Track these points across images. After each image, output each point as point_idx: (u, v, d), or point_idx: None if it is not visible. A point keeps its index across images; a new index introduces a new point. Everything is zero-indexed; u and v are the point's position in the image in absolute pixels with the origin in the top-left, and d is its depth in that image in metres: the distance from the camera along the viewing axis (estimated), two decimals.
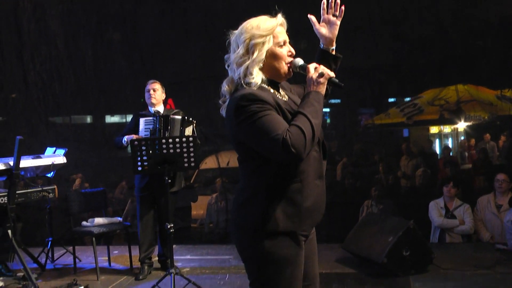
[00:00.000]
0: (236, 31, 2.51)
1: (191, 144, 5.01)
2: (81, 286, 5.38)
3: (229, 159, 9.82)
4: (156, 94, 5.87)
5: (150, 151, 5.00)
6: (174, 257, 5.13)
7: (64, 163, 6.12)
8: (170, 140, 4.99)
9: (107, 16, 10.20)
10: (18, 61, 9.90)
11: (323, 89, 2.46)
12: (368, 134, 11.48)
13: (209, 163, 10.08)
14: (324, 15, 2.69)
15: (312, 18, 2.69)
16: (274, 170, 2.40)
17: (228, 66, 2.53)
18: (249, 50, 2.44)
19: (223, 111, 2.53)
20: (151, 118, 5.75)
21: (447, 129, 13.84)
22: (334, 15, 2.67)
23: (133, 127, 5.84)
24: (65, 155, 6.24)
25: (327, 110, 12.26)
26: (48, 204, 6.52)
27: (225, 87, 2.52)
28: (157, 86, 5.90)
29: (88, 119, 12.54)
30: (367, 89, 10.59)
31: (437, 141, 13.86)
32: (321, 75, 2.44)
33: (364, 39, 9.94)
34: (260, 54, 2.43)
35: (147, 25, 10.26)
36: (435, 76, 10.65)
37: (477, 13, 9.60)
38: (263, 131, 2.29)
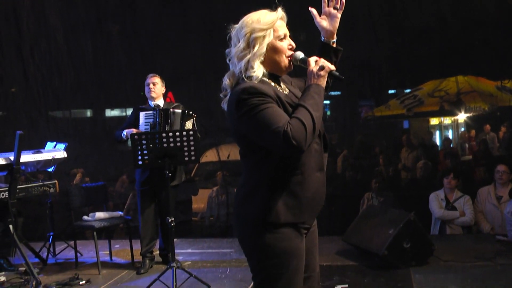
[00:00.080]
0: (236, 25, 2.52)
1: (191, 138, 5.01)
2: (82, 280, 5.40)
3: (229, 152, 9.81)
4: (156, 88, 5.87)
5: (151, 145, 5.00)
6: (175, 251, 5.15)
7: (64, 157, 6.13)
8: (170, 134, 4.99)
9: (107, 9, 10.16)
10: (18, 55, 9.88)
11: (323, 82, 2.47)
12: (369, 126, 11.47)
13: (210, 156, 10.07)
14: (325, 8, 2.69)
15: (313, 11, 2.69)
16: (275, 162, 2.42)
17: (229, 60, 2.55)
18: (250, 44, 2.45)
19: (224, 105, 2.54)
20: (151, 112, 5.75)
21: (447, 120, 13.83)
22: (335, 8, 2.68)
23: (133, 121, 5.84)
24: (65, 149, 6.24)
25: (327, 102, 12.24)
26: (49, 199, 6.53)
27: (226, 81, 2.53)
28: (157, 80, 5.90)
29: (88, 113, 12.52)
30: (367, 81, 10.56)
31: (437, 132, 13.86)
32: (322, 68, 2.45)
33: (364, 30, 9.91)
34: (260, 48, 2.45)
35: (147, 19, 10.22)
36: (435, 67, 10.62)
37: (477, 4, 9.56)
38: (264, 124, 2.30)
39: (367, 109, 11.88)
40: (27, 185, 5.60)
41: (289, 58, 2.53)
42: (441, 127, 14.27)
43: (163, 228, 5.82)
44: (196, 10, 9.90)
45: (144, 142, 5.00)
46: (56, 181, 5.96)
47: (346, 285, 5.01)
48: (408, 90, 11.84)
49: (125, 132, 5.66)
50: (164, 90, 6.03)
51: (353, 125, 11.14)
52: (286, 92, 2.56)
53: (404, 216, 5.50)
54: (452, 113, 11.64)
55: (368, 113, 11.73)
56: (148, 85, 5.88)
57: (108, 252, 6.33)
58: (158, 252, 6.04)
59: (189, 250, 6.67)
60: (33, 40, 9.84)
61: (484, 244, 6.19)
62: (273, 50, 2.49)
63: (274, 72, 2.54)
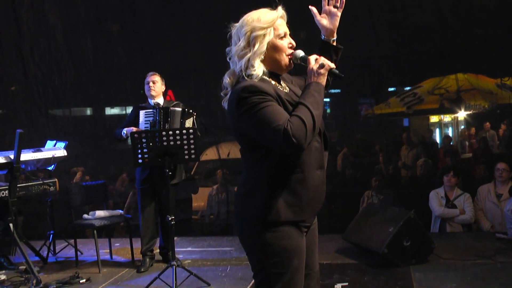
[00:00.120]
0: (237, 24, 2.53)
1: (191, 136, 5.01)
2: (83, 279, 5.41)
3: (229, 150, 9.81)
4: (156, 86, 5.87)
5: (151, 144, 5.00)
6: (175, 249, 5.16)
7: (64, 156, 6.13)
8: (171, 132, 5.00)
9: (106, 7, 10.14)
10: (17, 53, 9.87)
11: (323, 80, 2.48)
12: (368, 124, 11.45)
13: (210, 154, 10.06)
14: (325, 6, 2.71)
15: (313, 9, 2.71)
16: (276, 161, 2.43)
17: (230, 58, 2.56)
18: (250, 43, 2.46)
19: (225, 104, 2.55)
20: (151, 110, 5.75)
21: (447, 118, 13.79)
22: (335, 6, 2.69)
23: (133, 120, 5.84)
24: (65, 148, 6.25)
25: (327, 100, 12.22)
26: (49, 197, 6.53)
27: (226, 79, 2.54)
28: (157, 78, 5.90)
29: (88, 111, 12.50)
30: (366, 78, 10.54)
31: (437, 130, 13.83)
32: (322, 66, 2.47)
33: (364, 28, 9.90)
34: (261, 46, 2.46)
35: (147, 17, 10.21)
36: (435, 65, 10.60)
37: (476, 2, 9.56)
38: (265, 122, 2.31)
39: (367, 107, 11.84)
40: (27, 184, 5.62)
41: (289, 57, 2.54)
42: (441, 125, 14.24)
43: (163, 227, 5.82)
44: (196, 8, 9.89)
45: (144, 140, 5.01)
46: (56, 180, 5.98)
47: (346, 284, 5.01)
48: (408, 88, 11.82)
49: (125, 130, 5.66)
50: (164, 88, 6.04)
51: (353, 123, 11.12)
52: (286, 91, 2.57)
53: (404, 214, 5.50)
54: (452, 111, 11.61)
55: (368, 111, 11.70)
56: (148, 83, 5.88)
57: (108, 251, 6.34)
58: (158, 250, 6.04)
59: (189, 249, 6.67)
60: (33, 38, 9.83)
61: (484, 242, 6.19)
62: (273, 48, 2.50)
63: (274, 70, 2.55)
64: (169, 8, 10.07)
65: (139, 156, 5.04)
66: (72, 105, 11.14)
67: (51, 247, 6.50)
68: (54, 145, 6.42)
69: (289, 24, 2.55)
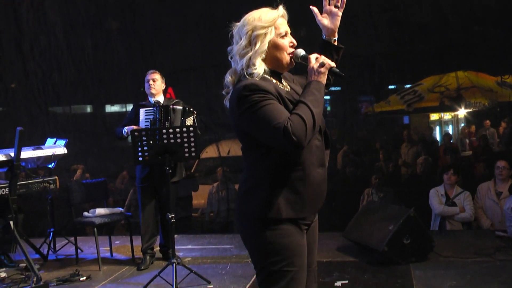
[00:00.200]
0: (238, 24, 2.55)
1: (191, 134, 5.02)
2: (83, 276, 5.41)
3: (229, 148, 9.82)
4: (156, 85, 5.87)
5: (151, 141, 5.00)
6: (175, 247, 5.16)
7: (64, 153, 6.14)
8: (171, 130, 5.00)
9: (106, 5, 10.15)
10: (17, 51, 9.87)
11: (324, 79, 2.50)
12: (369, 122, 11.45)
13: (210, 152, 10.07)
14: (326, 6, 2.73)
15: (314, 9, 2.73)
16: (276, 159, 2.44)
17: (231, 57, 2.57)
18: (252, 42, 2.48)
19: (226, 102, 2.57)
20: (151, 108, 5.75)
21: (447, 116, 13.81)
22: (336, 6, 2.71)
23: (133, 118, 5.84)
24: (65, 145, 6.25)
25: (327, 98, 12.22)
26: (50, 195, 6.53)
27: (228, 78, 2.55)
28: (157, 76, 5.89)
29: (88, 109, 12.50)
30: (367, 76, 10.55)
31: (437, 128, 13.84)
32: (322, 65, 2.48)
33: (364, 26, 9.91)
34: (262, 45, 2.47)
35: (147, 14, 10.21)
36: (435, 63, 10.60)
37: (476, 0, 9.56)
38: (265, 120, 2.32)
39: (367, 105, 11.84)
40: (27, 182, 5.61)
41: (290, 55, 2.55)
42: (441, 122, 14.25)
43: (164, 225, 5.82)
44: (195, 7, 9.89)
45: (144, 138, 5.01)
46: (57, 177, 5.97)
47: (346, 281, 5.01)
48: (408, 86, 11.82)
49: (125, 129, 5.66)
50: (164, 86, 6.03)
51: (353, 120, 11.13)
52: (287, 89, 2.59)
53: (404, 212, 5.51)
54: (452, 109, 11.62)
55: (368, 109, 11.70)
56: (148, 81, 5.88)
57: (109, 248, 6.34)
58: (158, 248, 6.05)
59: (190, 246, 6.68)
60: (32, 35, 9.83)
61: (484, 240, 6.19)
62: (274, 47, 2.51)
63: (275, 69, 2.57)
64: (169, 5, 10.07)
65: (139, 154, 5.04)
66: (72, 102, 11.15)
67: (52, 245, 6.50)
68: (54, 143, 6.42)
69: (290, 22, 2.57)
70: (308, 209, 2.51)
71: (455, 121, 13.25)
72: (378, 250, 5.42)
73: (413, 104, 11.18)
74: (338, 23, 2.72)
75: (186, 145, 5.02)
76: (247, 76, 2.45)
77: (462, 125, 12.19)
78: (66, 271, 5.66)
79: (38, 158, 5.86)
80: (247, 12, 2.54)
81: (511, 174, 7.01)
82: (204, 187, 9.65)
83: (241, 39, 2.49)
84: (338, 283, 4.95)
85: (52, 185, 5.84)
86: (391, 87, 12.14)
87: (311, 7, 2.72)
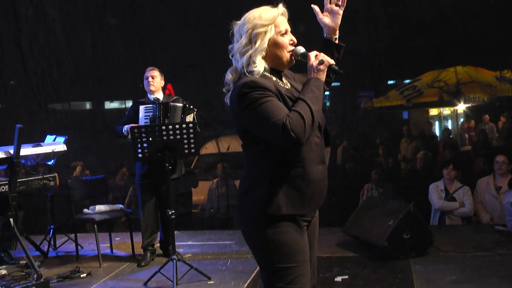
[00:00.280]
0: (238, 22, 2.56)
1: (191, 131, 5.02)
2: (83, 273, 5.42)
3: (229, 144, 9.82)
4: (155, 82, 5.86)
5: (150, 138, 5.00)
6: (175, 243, 5.17)
7: (64, 150, 6.13)
8: (170, 127, 5.00)
9: (106, 1, 10.14)
10: (17, 48, 9.87)
11: (323, 76, 2.51)
12: (368, 117, 11.46)
13: (209, 148, 10.07)
14: (327, 5, 2.75)
15: (315, 8, 2.75)
16: (276, 156, 2.45)
17: (232, 56, 2.58)
18: (252, 40, 2.49)
19: (227, 100, 2.58)
20: (150, 105, 5.74)
21: (446, 111, 13.81)
22: (336, 5, 2.73)
23: (133, 115, 5.84)
24: (65, 142, 6.24)
25: (327, 93, 12.23)
26: (49, 192, 6.54)
27: (229, 76, 2.56)
28: (156, 73, 5.88)
29: (88, 106, 12.50)
30: (366, 72, 10.55)
31: (436, 123, 13.84)
32: (321, 62, 2.49)
33: (363, 21, 9.90)
34: (262, 43, 2.48)
35: (146, 11, 10.20)
36: (434, 58, 10.61)
37: None
38: (264, 117, 2.34)
39: (366, 100, 11.85)
40: (27, 179, 5.61)
41: (290, 53, 2.56)
42: (440, 117, 14.25)
43: (164, 221, 5.82)
44: (195, 4, 9.88)
45: (144, 135, 5.01)
46: (56, 174, 5.97)
47: (346, 277, 5.02)
48: (407, 81, 11.82)
49: (125, 127, 5.66)
50: (163, 83, 6.02)
51: (353, 116, 11.14)
52: (287, 87, 2.59)
53: (404, 207, 5.52)
54: (451, 104, 11.62)
55: (368, 104, 11.71)
56: (147, 78, 5.87)
57: (109, 245, 6.34)
58: (158, 245, 6.05)
59: (190, 243, 6.68)
60: (31, 32, 9.83)
61: (483, 235, 6.21)
62: (274, 45, 2.52)
63: (275, 67, 2.58)
64: (168, 2, 10.06)
65: (139, 150, 5.04)
66: (71, 99, 11.15)
67: (52, 242, 6.51)
68: (54, 140, 6.42)
69: (290, 20, 2.58)
70: (308, 205, 2.51)
71: (455, 116, 13.25)
72: (378, 245, 5.43)
73: (413, 99, 11.18)
74: (339, 22, 2.74)
75: (185, 141, 5.02)
76: (247, 74, 2.46)
77: (462, 120, 12.19)
78: (67, 268, 5.67)
79: (38, 155, 5.85)
80: (247, 10, 2.55)
81: (511, 169, 7.01)
82: (204, 183, 9.65)
83: (241, 37, 2.51)
84: (338, 278, 4.96)
85: (52, 182, 5.84)
86: (390, 82, 12.14)
87: (312, 5, 2.74)
